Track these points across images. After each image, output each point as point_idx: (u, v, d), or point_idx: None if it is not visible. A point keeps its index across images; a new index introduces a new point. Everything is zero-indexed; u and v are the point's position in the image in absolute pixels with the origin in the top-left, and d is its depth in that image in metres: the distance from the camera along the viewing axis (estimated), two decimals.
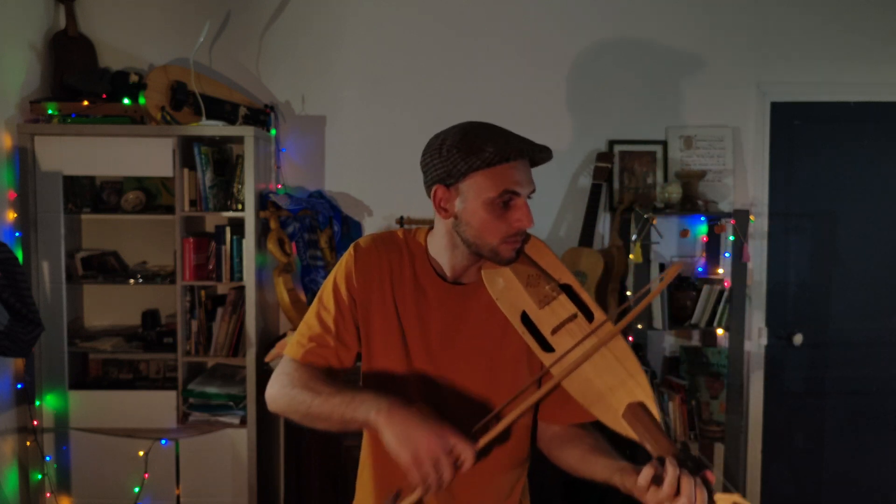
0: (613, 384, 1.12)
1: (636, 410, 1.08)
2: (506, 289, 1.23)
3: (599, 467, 1.16)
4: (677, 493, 0.99)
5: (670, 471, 0.99)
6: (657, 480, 1.00)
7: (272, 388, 1.25)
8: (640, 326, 2.90)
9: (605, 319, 1.18)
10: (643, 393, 1.10)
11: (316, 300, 1.32)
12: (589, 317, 1.19)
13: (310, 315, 1.31)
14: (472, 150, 1.16)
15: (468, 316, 1.27)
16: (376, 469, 1.34)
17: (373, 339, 1.29)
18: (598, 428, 1.26)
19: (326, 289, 1.31)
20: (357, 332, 1.30)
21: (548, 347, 1.19)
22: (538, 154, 1.21)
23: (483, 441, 1.10)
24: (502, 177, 1.17)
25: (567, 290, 1.22)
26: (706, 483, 0.99)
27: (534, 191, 1.22)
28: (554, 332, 1.18)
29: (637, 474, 1.03)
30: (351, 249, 1.32)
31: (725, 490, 1.01)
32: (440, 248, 1.28)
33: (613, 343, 1.14)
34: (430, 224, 1.33)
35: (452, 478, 1.06)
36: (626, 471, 1.08)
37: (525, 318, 1.21)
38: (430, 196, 1.25)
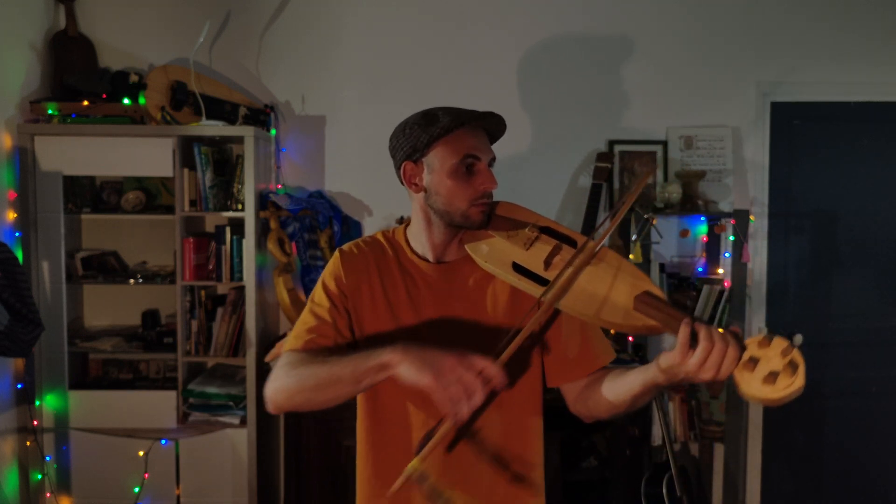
0: (612, 284, 1.15)
1: (643, 298, 1.11)
2: (491, 251, 1.27)
3: (634, 377, 1.15)
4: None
5: (702, 330, 1.00)
6: (693, 341, 1.01)
7: (273, 382, 1.25)
8: None
9: (587, 239, 1.22)
10: (642, 281, 1.13)
11: (308, 302, 1.37)
12: (573, 245, 1.24)
13: (303, 314, 1.35)
14: (430, 122, 1.28)
15: (457, 291, 1.32)
16: (373, 453, 1.34)
17: (366, 331, 1.33)
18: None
19: (317, 290, 1.36)
20: (350, 322, 1.33)
21: (545, 282, 1.21)
22: (490, 120, 1.30)
23: (505, 356, 1.11)
24: (461, 143, 1.27)
25: (547, 231, 1.28)
26: (735, 334, 1.01)
27: (494, 159, 1.31)
28: (547, 266, 1.22)
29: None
30: (336, 254, 1.38)
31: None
32: (418, 230, 1.34)
33: (603, 255, 1.19)
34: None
35: (483, 398, 1.05)
36: (661, 356, 1.07)
37: (517, 268, 1.24)
38: (400, 178, 1.34)
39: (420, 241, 1.35)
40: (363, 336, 1.33)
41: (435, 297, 1.31)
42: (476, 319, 1.30)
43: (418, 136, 1.27)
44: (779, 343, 0.98)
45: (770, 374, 0.97)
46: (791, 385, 0.95)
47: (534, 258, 1.23)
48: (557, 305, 1.17)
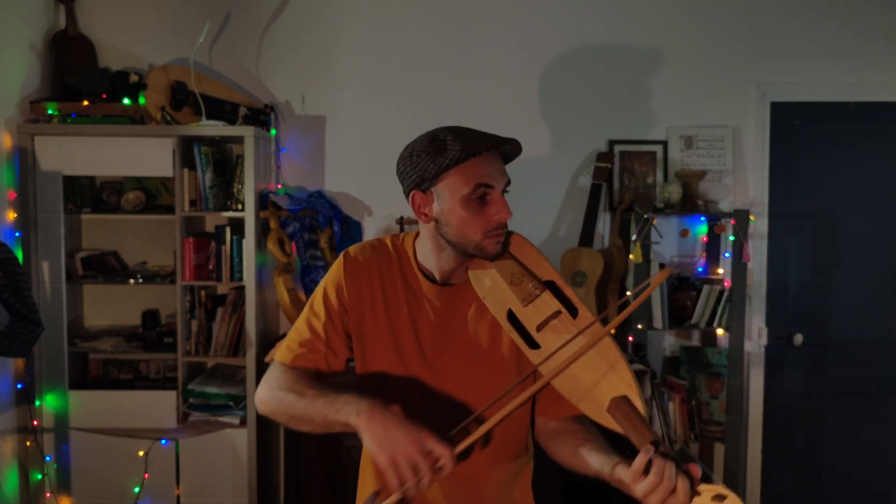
0: (597, 379, 1.13)
1: (619, 404, 1.10)
2: (492, 288, 1.25)
3: (591, 461, 1.17)
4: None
5: (656, 464, 1.01)
6: (647, 470, 1.02)
7: (261, 391, 1.26)
8: (640, 326, 2.90)
9: (593, 321, 1.18)
10: (626, 386, 1.11)
11: (306, 307, 1.34)
12: (573, 312, 1.20)
13: (300, 322, 1.33)
14: (438, 151, 1.19)
15: (459, 315, 1.30)
16: (378, 469, 1.35)
17: (367, 344, 1.31)
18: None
19: (317, 297, 1.33)
20: (347, 339, 1.32)
21: (534, 344, 1.20)
22: (504, 146, 1.22)
23: (462, 446, 1.10)
24: (472, 172, 1.19)
25: (551, 286, 1.23)
26: (689, 474, 1.01)
27: (509, 183, 1.24)
28: (539, 329, 1.19)
29: (628, 467, 1.05)
30: (340, 258, 1.34)
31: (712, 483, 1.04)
32: (427, 252, 1.30)
33: (601, 343, 1.15)
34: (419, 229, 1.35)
35: (432, 481, 1.06)
36: (619, 465, 1.10)
37: (511, 316, 1.22)
38: (409, 204, 1.28)
39: (428, 261, 1.31)
40: (362, 347, 1.32)
41: (436, 318, 1.29)
42: (475, 347, 1.29)
43: (426, 165, 1.20)
44: None
45: None
46: None
47: (529, 317, 1.20)
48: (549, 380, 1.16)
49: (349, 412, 1.11)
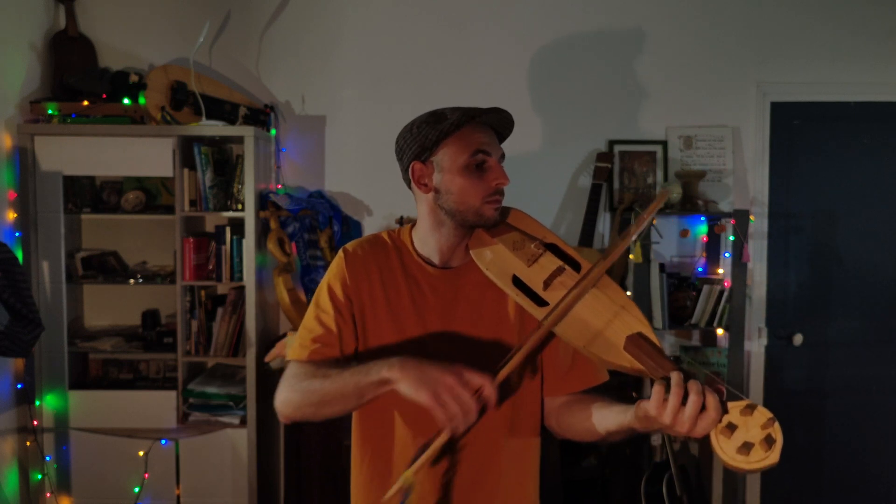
0: (609, 319, 1.13)
1: (636, 340, 1.10)
2: (494, 259, 1.26)
3: (612, 415, 1.15)
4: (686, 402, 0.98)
5: (674, 376, 0.99)
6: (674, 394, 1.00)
7: (281, 393, 1.26)
8: None
9: (591, 266, 1.19)
10: (639, 322, 1.12)
11: (312, 305, 1.35)
12: (576, 268, 1.22)
13: (308, 320, 1.33)
14: (438, 120, 1.26)
15: (462, 297, 1.30)
16: (366, 461, 1.34)
17: (369, 336, 1.32)
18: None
19: (321, 293, 1.34)
20: (355, 329, 1.32)
21: (542, 302, 1.21)
22: (498, 115, 1.29)
23: (501, 375, 1.11)
24: (470, 139, 1.26)
25: (552, 248, 1.26)
26: (719, 395, 0.99)
27: (503, 157, 1.30)
28: (546, 286, 1.21)
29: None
30: (340, 253, 1.35)
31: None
32: (426, 233, 1.32)
33: (603, 283, 1.17)
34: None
35: (478, 414, 1.06)
36: (641, 401, 1.05)
37: (517, 281, 1.23)
38: (407, 179, 1.31)
39: (427, 244, 1.32)
40: (366, 341, 1.31)
41: (439, 302, 1.30)
42: (480, 327, 1.29)
43: (427, 134, 1.25)
44: (761, 415, 0.99)
45: (745, 444, 0.98)
46: (764, 460, 0.98)
47: (535, 276, 1.22)
48: (554, 330, 1.16)
49: (380, 368, 1.12)
